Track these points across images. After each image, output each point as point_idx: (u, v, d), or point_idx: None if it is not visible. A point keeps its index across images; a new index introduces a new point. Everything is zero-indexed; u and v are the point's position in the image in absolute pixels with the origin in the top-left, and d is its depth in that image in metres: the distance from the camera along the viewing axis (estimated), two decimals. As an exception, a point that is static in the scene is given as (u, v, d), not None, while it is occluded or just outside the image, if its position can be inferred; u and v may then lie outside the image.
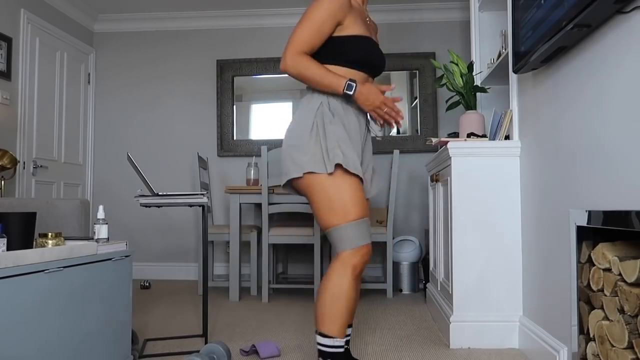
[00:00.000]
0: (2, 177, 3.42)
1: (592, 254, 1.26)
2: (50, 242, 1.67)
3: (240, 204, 3.59)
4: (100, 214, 1.94)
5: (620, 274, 1.13)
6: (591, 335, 1.26)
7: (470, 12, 3.13)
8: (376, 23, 2.12)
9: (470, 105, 2.74)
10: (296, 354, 2.29)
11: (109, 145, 4.74)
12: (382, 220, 3.91)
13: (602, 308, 1.21)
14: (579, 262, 1.34)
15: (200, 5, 4.54)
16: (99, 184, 4.73)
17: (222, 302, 3.50)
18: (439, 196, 2.86)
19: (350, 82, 1.72)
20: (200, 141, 4.66)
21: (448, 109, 2.91)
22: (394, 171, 3.66)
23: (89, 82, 4.70)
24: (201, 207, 2.35)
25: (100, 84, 4.78)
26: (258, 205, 4.33)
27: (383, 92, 1.79)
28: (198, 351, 2.17)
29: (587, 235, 1.32)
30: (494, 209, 2.40)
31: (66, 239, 1.84)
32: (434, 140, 2.67)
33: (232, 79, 4.66)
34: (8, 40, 3.66)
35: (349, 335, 1.85)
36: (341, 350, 1.70)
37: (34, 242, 1.69)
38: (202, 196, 2.26)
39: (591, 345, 1.26)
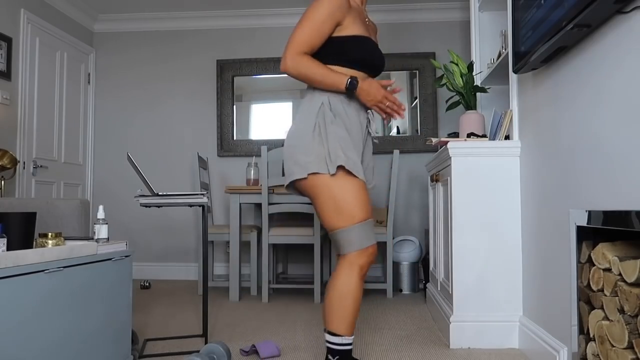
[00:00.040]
0: (2, 177, 3.42)
1: (592, 254, 1.26)
2: (50, 242, 1.67)
3: (240, 204, 3.59)
4: (100, 214, 1.94)
5: (620, 274, 1.13)
6: (591, 335, 1.26)
7: (470, 12, 3.13)
8: (376, 23, 2.12)
9: (470, 105, 2.74)
10: (296, 354, 2.29)
11: (109, 145, 4.74)
12: (382, 220, 3.91)
13: (602, 308, 1.21)
14: (579, 262, 1.34)
15: (200, 5, 4.54)
16: (99, 184, 4.73)
17: (222, 302, 3.50)
18: (439, 196, 2.86)
19: (351, 79, 1.74)
20: (200, 141, 4.66)
21: (448, 109, 2.91)
22: (394, 171, 3.66)
23: (89, 82, 4.70)
24: (201, 207, 2.35)
25: (100, 84, 4.78)
26: (258, 205, 4.33)
27: (385, 87, 1.81)
28: (198, 351, 2.17)
29: (587, 235, 1.32)
30: (494, 209, 2.40)
31: (66, 239, 1.84)
32: (434, 140, 2.67)
33: (232, 79, 4.66)
34: (8, 40, 3.66)
35: None
36: (349, 347, 1.73)
37: (34, 242, 1.69)
38: (202, 196, 2.26)
39: (591, 345, 1.26)
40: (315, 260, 3.51)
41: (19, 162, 3.62)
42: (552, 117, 1.99)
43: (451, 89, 2.78)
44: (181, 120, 4.70)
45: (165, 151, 4.69)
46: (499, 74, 2.75)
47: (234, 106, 4.65)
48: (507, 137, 2.46)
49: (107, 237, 1.91)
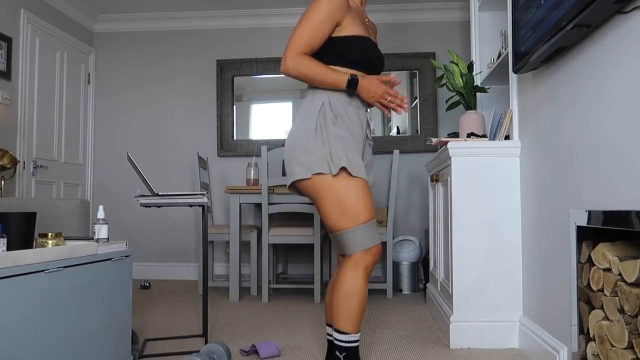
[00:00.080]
0: (2, 177, 3.42)
1: (592, 254, 1.26)
2: (50, 242, 1.67)
3: (240, 204, 3.59)
4: (100, 214, 1.94)
5: (620, 274, 1.13)
6: (591, 335, 1.26)
7: (470, 12, 3.13)
8: (376, 23, 2.12)
9: (470, 105, 2.74)
10: (296, 354, 2.29)
11: (109, 145, 4.74)
12: (382, 220, 3.91)
13: (602, 308, 1.21)
14: (579, 262, 1.34)
15: (200, 5, 4.54)
16: (99, 184, 4.73)
17: (222, 302, 3.50)
18: (439, 196, 2.86)
19: (352, 77, 1.75)
20: (200, 141, 4.66)
21: (448, 109, 2.91)
22: (394, 171, 3.66)
23: (89, 82, 4.70)
24: (201, 207, 2.35)
25: (100, 84, 4.78)
26: (258, 205, 4.33)
27: (389, 84, 1.82)
28: (198, 351, 2.17)
29: (587, 235, 1.32)
30: (494, 209, 2.40)
31: (66, 239, 1.84)
32: (434, 140, 2.67)
33: (232, 79, 4.66)
34: (8, 40, 3.66)
35: None
36: (356, 344, 1.76)
37: (34, 242, 1.69)
38: (202, 196, 2.26)
39: (591, 345, 1.26)
40: (315, 260, 3.51)
41: (19, 162, 3.62)
42: (552, 117, 1.99)
43: (451, 89, 2.78)
44: (181, 121, 4.70)
45: (165, 151, 4.69)
46: (499, 74, 2.75)
47: (234, 106, 4.65)
48: (507, 137, 2.46)
49: (107, 237, 1.91)
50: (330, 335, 1.96)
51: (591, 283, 1.26)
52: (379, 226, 3.79)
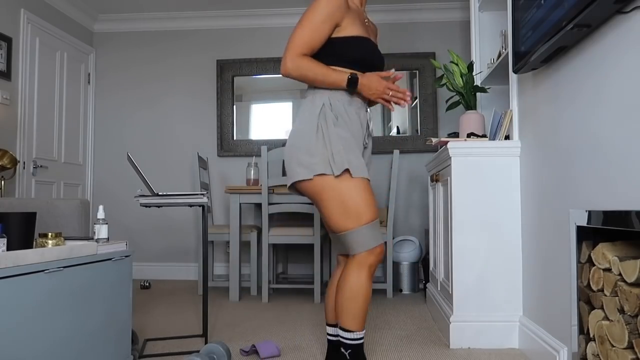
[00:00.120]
0: (2, 177, 3.42)
1: (592, 254, 1.26)
2: (50, 242, 1.67)
3: (240, 204, 3.59)
4: (100, 214, 1.94)
5: (620, 274, 1.13)
6: (591, 335, 1.26)
7: (470, 12, 3.13)
8: (376, 23, 2.13)
9: (470, 105, 2.74)
10: (296, 354, 2.29)
11: (109, 145, 4.74)
12: (382, 220, 3.91)
13: (602, 308, 1.21)
14: (579, 262, 1.34)
15: (200, 5, 4.54)
16: (99, 184, 4.73)
17: (222, 302, 3.50)
18: (439, 196, 2.86)
19: (352, 76, 1.76)
20: (200, 141, 4.66)
21: (448, 109, 2.91)
22: (394, 171, 3.66)
23: (88, 82, 4.70)
24: (201, 207, 2.35)
25: (100, 84, 4.78)
26: (258, 205, 4.33)
27: (390, 80, 1.82)
28: (198, 351, 2.17)
29: (587, 235, 1.32)
30: (494, 209, 2.40)
31: (66, 239, 1.84)
32: (434, 140, 2.67)
33: (232, 79, 4.66)
34: (8, 40, 3.66)
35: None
36: (361, 341, 1.78)
37: (34, 242, 1.69)
38: (202, 196, 2.26)
39: (591, 345, 1.26)
40: (315, 260, 3.51)
41: (19, 162, 3.62)
42: (552, 117, 1.99)
43: (451, 89, 2.78)
44: (181, 120, 4.70)
45: (165, 151, 4.69)
46: (499, 74, 2.75)
47: (234, 106, 4.65)
48: (507, 137, 2.46)
49: (107, 237, 1.91)
50: (330, 335, 1.96)
51: (591, 283, 1.26)
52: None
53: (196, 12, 4.65)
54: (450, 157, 2.45)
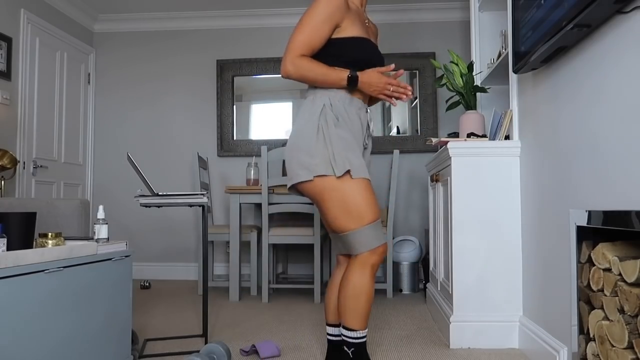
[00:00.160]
0: (2, 177, 3.42)
1: (592, 254, 1.26)
2: (50, 242, 1.67)
3: (240, 204, 3.59)
4: (100, 214, 1.94)
5: (620, 274, 1.13)
6: (591, 335, 1.26)
7: (470, 12, 3.13)
8: (376, 23, 2.12)
9: (470, 105, 2.74)
10: (296, 354, 2.29)
11: (109, 145, 4.74)
12: (382, 220, 3.91)
13: (602, 308, 1.21)
14: (579, 262, 1.34)
15: (200, 5, 4.54)
16: (98, 184, 4.73)
17: (222, 302, 3.50)
18: (439, 196, 2.86)
19: (351, 75, 1.76)
20: (200, 141, 4.66)
21: (448, 109, 2.91)
22: (394, 171, 3.66)
23: (89, 82, 4.70)
24: (201, 207, 2.35)
25: (100, 84, 4.78)
26: (258, 205, 4.33)
27: (394, 76, 1.82)
28: (198, 351, 2.17)
29: (587, 235, 1.32)
30: (494, 209, 2.40)
31: (66, 239, 1.84)
32: (434, 140, 2.67)
33: (232, 79, 4.66)
34: (8, 40, 3.66)
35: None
36: (364, 339, 1.79)
37: (34, 242, 1.69)
38: (202, 196, 2.26)
39: (591, 345, 1.26)
40: (315, 260, 3.51)
41: (19, 162, 3.62)
42: (552, 117, 1.99)
43: (451, 89, 2.78)
44: (181, 121, 4.70)
45: (165, 151, 4.69)
46: (499, 74, 2.75)
47: (234, 106, 4.65)
48: (507, 137, 2.46)
49: (107, 237, 1.91)
50: (330, 335, 1.96)
51: (591, 283, 1.26)
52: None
53: (196, 12, 4.65)
54: (450, 157, 2.45)
